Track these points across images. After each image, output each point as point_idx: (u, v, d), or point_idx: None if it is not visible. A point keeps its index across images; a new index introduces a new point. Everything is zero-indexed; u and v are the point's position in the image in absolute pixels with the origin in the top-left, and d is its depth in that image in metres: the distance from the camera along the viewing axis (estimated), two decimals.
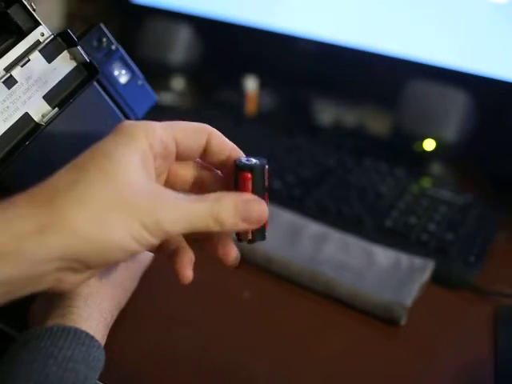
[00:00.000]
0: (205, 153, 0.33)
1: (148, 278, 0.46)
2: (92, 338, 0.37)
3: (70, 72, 0.37)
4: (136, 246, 0.28)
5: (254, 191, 0.31)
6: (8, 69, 0.34)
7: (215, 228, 0.30)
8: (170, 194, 0.29)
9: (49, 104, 0.36)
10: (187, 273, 0.32)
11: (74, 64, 0.37)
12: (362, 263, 0.52)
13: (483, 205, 0.61)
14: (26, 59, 0.34)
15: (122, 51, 0.41)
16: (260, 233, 0.33)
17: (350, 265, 0.52)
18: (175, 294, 0.49)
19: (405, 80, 0.70)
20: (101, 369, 0.37)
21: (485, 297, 0.51)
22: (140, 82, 0.43)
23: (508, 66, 0.63)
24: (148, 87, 0.44)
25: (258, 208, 0.31)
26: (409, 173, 0.66)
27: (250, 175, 0.31)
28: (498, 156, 0.70)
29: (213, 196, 0.30)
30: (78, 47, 0.36)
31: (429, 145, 0.68)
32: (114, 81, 0.41)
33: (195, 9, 0.82)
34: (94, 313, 0.39)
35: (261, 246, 0.53)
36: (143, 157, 0.29)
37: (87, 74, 0.38)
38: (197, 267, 0.53)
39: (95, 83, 0.39)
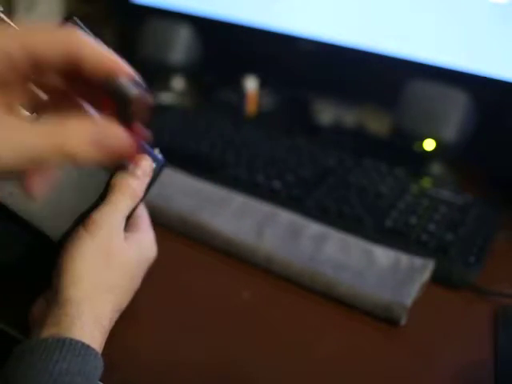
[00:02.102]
0: (77, 68, 0.28)
1: (148, 279, 0.46)
2: (88, 347, 0.35)
3: None
4: None
5: (118, 118, 0.27)
6: None
7: (60, 159, 0.25)
8: (7, 118, 0.25)
9: None
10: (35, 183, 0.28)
11: None
12: (362, 263, 0.52)
13: (483, 205, 0.61)
14: None
15: (100, 43, 0.41)
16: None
17: (350, 265, 0.52)
18: (175, 294, 0.49)
19: (405, 80, 0.70)
20: (99, 376, 0.36)
21: (485, 297, 0.51)
22: None
23: (508, 65, 0.63)
24: None
25: (115, 134, 0.26)
26: (409, 173, 0.66)
27: (110, 99, 0.27)
28: (498, 156, 0.70)
29: (55, 119, 0.25)
30: None
31: (429, 145, 0.68)
32: None
33: (195, 9, 0.82)
34: (89, 319, 0.37)
35: (261, 246, 0.53)
36: None
37: None
38: (197, 267, 0.53)
39: None
